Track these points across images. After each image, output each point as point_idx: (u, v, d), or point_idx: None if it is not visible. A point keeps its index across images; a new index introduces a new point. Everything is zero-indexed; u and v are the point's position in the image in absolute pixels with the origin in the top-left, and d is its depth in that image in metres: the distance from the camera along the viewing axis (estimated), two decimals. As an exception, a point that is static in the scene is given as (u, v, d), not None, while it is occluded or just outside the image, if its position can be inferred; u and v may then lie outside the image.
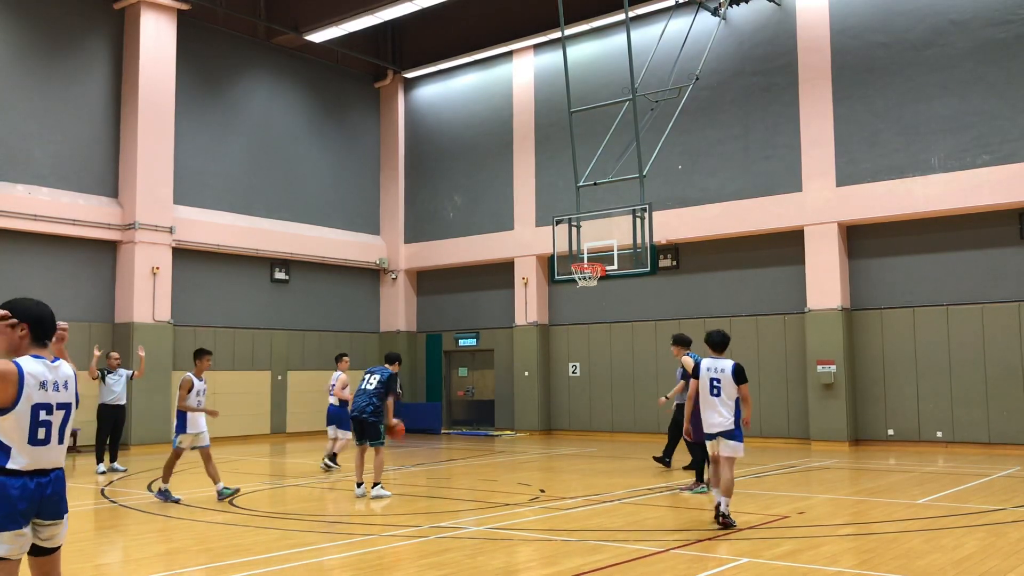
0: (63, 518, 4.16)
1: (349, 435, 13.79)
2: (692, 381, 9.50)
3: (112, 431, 14.77)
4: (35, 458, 4.01)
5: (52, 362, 4.16)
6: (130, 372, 15.23)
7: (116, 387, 14.71)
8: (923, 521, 9.10)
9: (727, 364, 8.84)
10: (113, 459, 14.88)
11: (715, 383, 8.82)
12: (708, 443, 9.04)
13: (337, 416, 14.79)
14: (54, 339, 4.20)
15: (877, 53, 17.89)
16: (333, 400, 14.90)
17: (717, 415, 8.75)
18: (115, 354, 15.10)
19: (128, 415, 16.75)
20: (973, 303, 16.94)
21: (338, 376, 15.06)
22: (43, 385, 4.04)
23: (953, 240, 17.24)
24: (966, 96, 16.92)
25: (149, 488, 12.52)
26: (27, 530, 3.99)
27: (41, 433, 4.03)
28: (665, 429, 14.04)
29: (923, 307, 17.44)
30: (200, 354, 11.37)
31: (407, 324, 24.89)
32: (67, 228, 18.48)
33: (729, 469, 8.67)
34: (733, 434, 8.70)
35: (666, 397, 13.38)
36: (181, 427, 11.23)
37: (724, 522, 8.57)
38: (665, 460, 13.72)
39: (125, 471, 14.70)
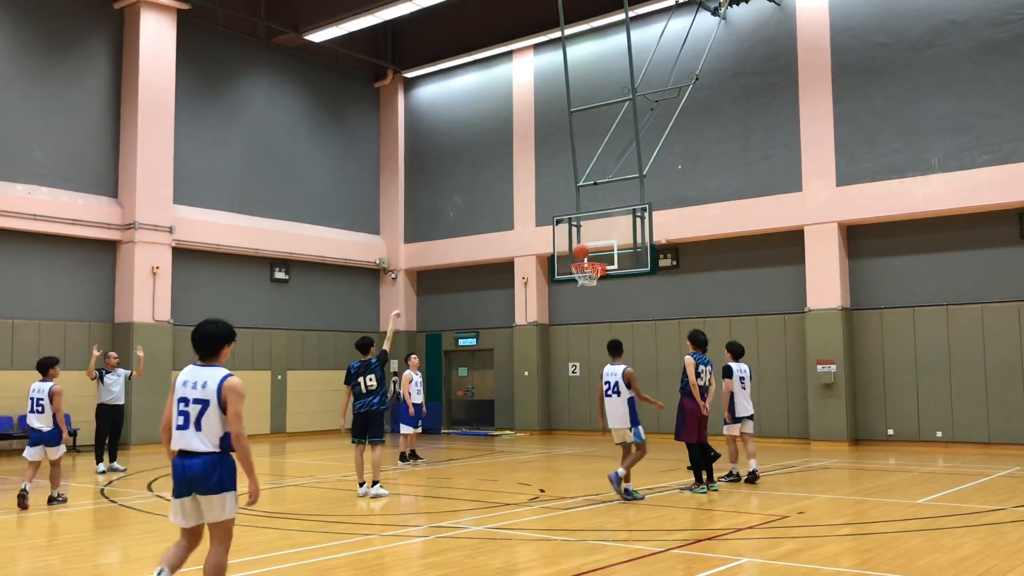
0: (204, 495, 5.09)
1: (412, 429, 15.42)
2: (724, 380, 12.12)
3: (111, 431, 14.77)
4: (175, 440, 5.19)
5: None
6: (128, 372, 15.25)
7: (114, 387, 14.71)
8: (923, 521, 9.09)
9: (746, 366, 12.43)
10: (113, 459, 14.87)
11: (742, 380, 12.21)
12: (735, 425, 12.15)
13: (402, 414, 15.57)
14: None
15: (877, 53, 17.88)
16: (417, 400, 15.55)
17: (748, 402, 12.24)
18: (113, 354, 15.09)
19: (128, 415, 16.79)
20: (973, 303, 16.94)
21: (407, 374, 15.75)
22: (184, 385, 5.22)
23: (953, 240, 17.24)
24: (966, 96, 16.92)
25: (150, 488, 12.53)
26: (178, 502, 5.15)
27: (180, 420, 5.15)
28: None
29: (923, 307, 17.44)
30: (617, 349, 11.04)
31: (407, 324, 24.88)
32: (67, 228, 18.48)
33: (752, 441, 12.29)
34: (753, 416, 12.41)
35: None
36: (635, 419, 10.67)
37: (759, 476, 11.96)
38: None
39: (125, 471, 14.70)
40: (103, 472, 14.47)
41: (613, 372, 10.83)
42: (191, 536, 5.22)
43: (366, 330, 24.24)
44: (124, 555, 8.22)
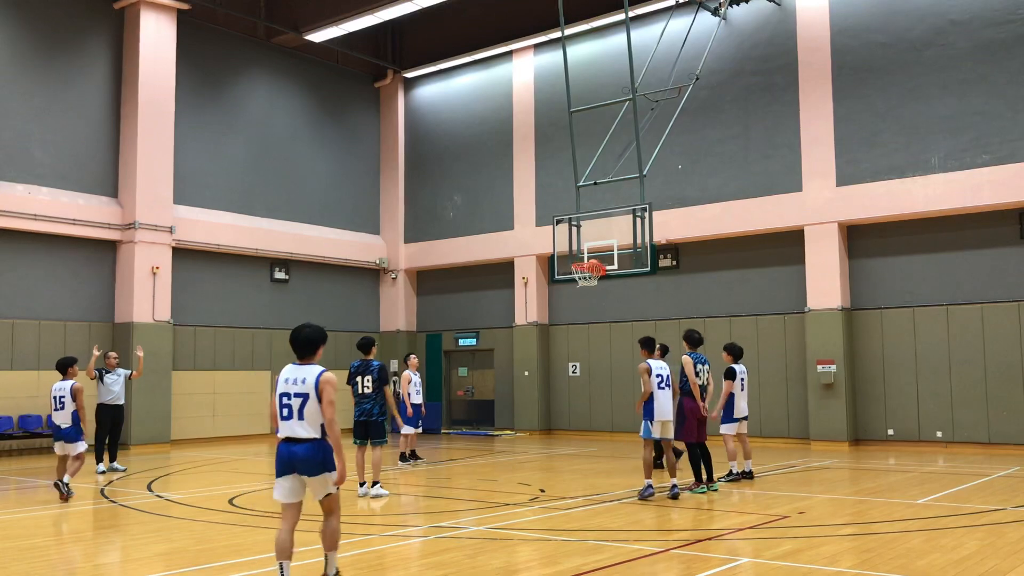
0: (311, 475, 5.93)
1: (412, 430, 15.35)
2: (727, 381, 12.14)
3: (111, 431, 14.78)
4: (281, 429, 6.01)
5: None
6: (128, 372, 15.27)
7: (114, 387, 14.73)
8: (923, 521, 9.10)
9: (743, 367, 12.47)
10: (112, 459, 14.88)
11: (743, 381, 12.30)
12: (733, 424, 12.14)
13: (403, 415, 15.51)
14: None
15: (877, 53, 17.88)
16: (416, 400, 15.66)
17: (744, 403, 12.30)
18: (113, 354, 15.10)
19: (128, 415, 16.78)
20: (973, 303, 16.94)
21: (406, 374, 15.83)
22: (286, 382, 6.02)
23: (953, 240, 17.24)
24: (966, 96, 16.92)
25: (150, 488, 12.52)
26: (281, 480, 5.98)
27: (285, 411, 5.96)
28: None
29: (923, 307, 17.44)
30: (652, 345, 11.23)
31: (407, 324, 24.89)
32: (67, 228, 18.48)
33: (747, 440, 12.47)
34: (747, 416, 12.45)
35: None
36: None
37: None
38: (659, 463, 13.71)
39: (125, 471, 14.70)
40: (103, 472, 14.47)
41: (664, 366, 11.04)
42: (293, 512, 6.01)
43: (366, 330, 24.25)
44: (124, 555, 8.22)
